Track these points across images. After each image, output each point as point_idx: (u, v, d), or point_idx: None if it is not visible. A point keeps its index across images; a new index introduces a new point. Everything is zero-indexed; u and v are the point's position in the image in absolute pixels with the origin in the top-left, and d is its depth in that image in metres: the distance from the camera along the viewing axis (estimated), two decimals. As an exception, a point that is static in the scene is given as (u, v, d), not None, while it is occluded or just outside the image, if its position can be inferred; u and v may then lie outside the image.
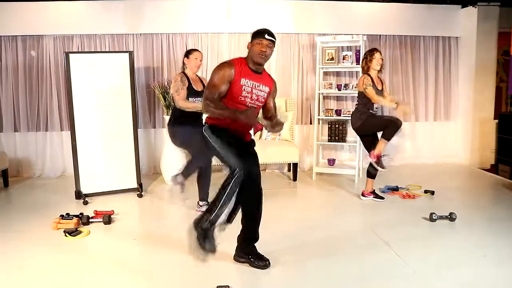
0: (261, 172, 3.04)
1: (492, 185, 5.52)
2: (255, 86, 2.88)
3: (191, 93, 4.06)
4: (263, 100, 2.96)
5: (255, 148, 3.07)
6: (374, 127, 4.48)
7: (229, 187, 2.71)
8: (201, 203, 4.24)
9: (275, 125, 2.86)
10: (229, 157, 2.78)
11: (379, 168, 4.44)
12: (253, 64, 2.88)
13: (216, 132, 2.85)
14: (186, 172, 4.05)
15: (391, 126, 4.30)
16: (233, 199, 2.75)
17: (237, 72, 2.81)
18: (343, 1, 6.17)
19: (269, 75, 3.08)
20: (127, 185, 4.99)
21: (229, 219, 2.84)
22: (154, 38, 5.96)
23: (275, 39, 2.88)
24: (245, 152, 2.87)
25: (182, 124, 4.06)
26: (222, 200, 2.71)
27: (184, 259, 3.11)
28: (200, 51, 4.20)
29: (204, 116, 3.16)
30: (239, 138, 2.92)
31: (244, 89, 2.84)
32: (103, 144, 4.84)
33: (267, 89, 2.97)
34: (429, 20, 6.40)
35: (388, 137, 4.35)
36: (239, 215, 3.00)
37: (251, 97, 2.87)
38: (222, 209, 2.73)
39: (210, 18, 5.96)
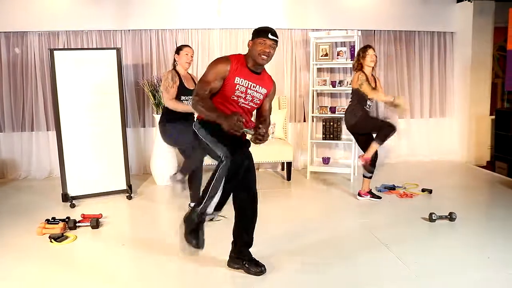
0: (256, 174, 2.90)
1: (489, 183, 5.44)
2: (250, 87, 2.71)
3: (183, 91, 3.91)
4: (258, 102, 2.79)
5: (249, 149, 2.89)
6: (367, 127, 4.40)
7: (216, 176, 2.59)
8: (192, 205, 4.08)
9: (260, 135, 2.58)
10: (218, 147, 2.62)
11: (365, 172, 4.47)
12: (252, 64, 2.71)
13: (207, 126, 2.67)
14: (183, 171, 3.95)
15: (385, 129, 4.22)
16: (221, 188, 2.59)
17: (232, 70, 2.65)
18: (337, -5, 6.05)
19: (269, 76, 2.89)
20: (116, 187, 4.83)
21: (218, 208, 2.65)
22: (143, 34, 5.78)
23: (278, 38, 2.72)
24: (237, 145, 2.66)
25: (174, 122, 3.90)
26: (210, 190, 2.59)
27: (175, 266, 2.97)
28: (191, 47, 4.06)
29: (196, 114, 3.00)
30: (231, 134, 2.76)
31: (237, 89, 2.67)
32: (90, 144, 4.67)
33: (264, 90, 2.80)
34: (424, 15, 6.29)
35: (381, 140, 4.28)
36: (233, 214, 2.87)
37: (245, 97, 2.70)
38: (210, 199, 2.60)
39: (201, 14, 5.78)
